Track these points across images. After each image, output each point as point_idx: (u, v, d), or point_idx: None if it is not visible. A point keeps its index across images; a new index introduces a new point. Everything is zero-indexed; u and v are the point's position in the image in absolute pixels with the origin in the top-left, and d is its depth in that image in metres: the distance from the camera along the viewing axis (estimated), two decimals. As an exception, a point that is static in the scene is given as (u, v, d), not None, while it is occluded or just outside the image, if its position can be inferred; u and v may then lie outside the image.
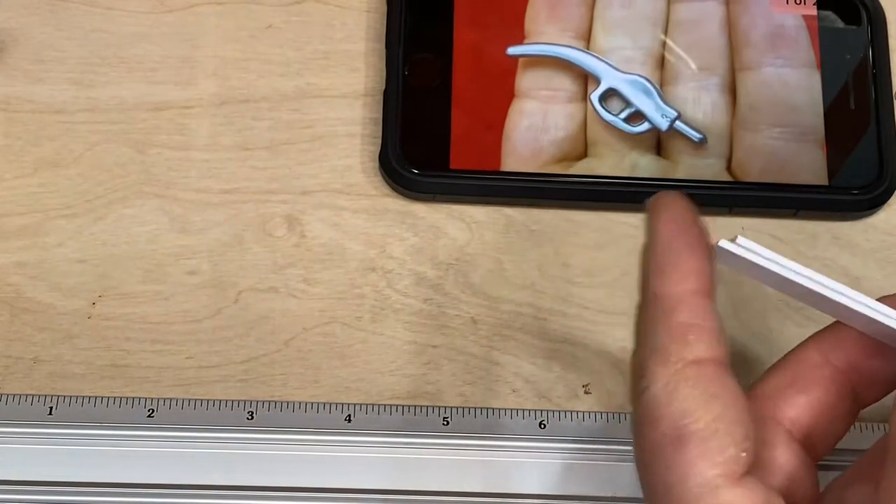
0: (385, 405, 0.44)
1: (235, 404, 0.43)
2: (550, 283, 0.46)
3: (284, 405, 0.43)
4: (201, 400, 0.43)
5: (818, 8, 0.48)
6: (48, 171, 0.46)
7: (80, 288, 0.45)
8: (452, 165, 0.46)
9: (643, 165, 0.47)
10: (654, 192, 0.46)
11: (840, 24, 0.48)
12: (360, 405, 0.44)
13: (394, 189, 0.46)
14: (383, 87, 0.47)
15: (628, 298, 0.46)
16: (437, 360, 0.45)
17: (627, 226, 0.47)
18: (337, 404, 0.44)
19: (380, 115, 0.47)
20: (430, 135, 0.46)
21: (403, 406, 0.44)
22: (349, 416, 0.43)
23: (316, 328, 0.45)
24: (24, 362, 0.44)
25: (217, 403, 0.43)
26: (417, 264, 0.46)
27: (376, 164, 0.47)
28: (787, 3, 0.48)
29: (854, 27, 0.48)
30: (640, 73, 0.47)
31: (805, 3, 0.48)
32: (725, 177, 0.46)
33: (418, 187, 0.46)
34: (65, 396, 0.43)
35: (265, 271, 0.46)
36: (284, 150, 0.47)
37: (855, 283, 0.46)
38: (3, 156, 0.46)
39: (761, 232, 0.47)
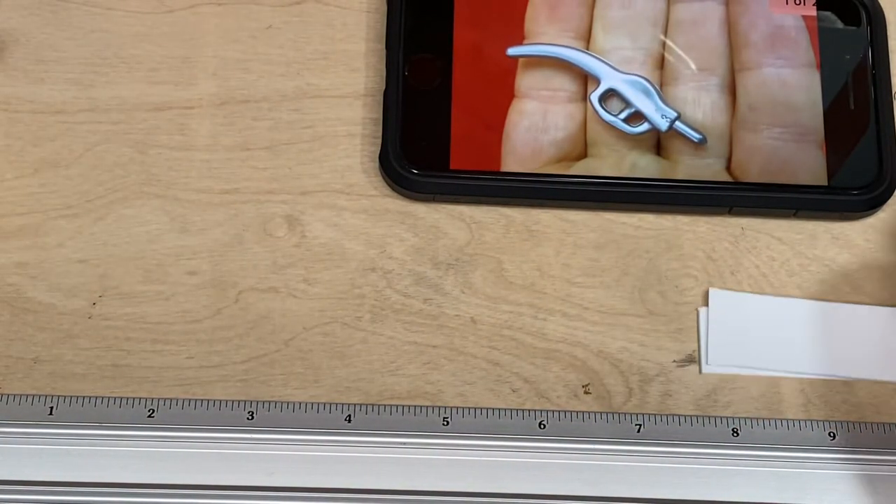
0: (385, 405, 0.44)
1: (235, 404, 0.43)
2: (550, 283, 0.46)
3: (284, 405, 0.44)
4: (201, 400, 0.43)
5: (818, 8, 0.48)
6: (48, 172, 0.46)
7: (80, 288, 0.45)
8: (452, 165, 0.46)
9: (643, 166, 0.47)
10: (654, 193, 0.46)
11: (840, 24, 0.48)
12: (360, 405, 0.44)
13: (394, 189, 0.47)
14: (383, 87, 0.47)
15: (628, 298, 0.46)
16: (437, 360, 0.45)
17: (627, 226, 0.47)
18: (337, 404, 0.44)
19: (380, 115, 0.47)
20: (430, 135, 0.46)
21: (403, 406, 0.44)
22: (349, 416, 0.44)
23: (316, 328, 0.45)
24: (25, 362, 0.44)
25: (217, 403, 0.43)
26: (417, 264, 0.46)
27: (376, 164, 0.47)
28: (787, 3, 0.48)
29: (854, 27, 0.48)
30: (640, 74, 0.47)
31: (805, 4, 0.48)
32: (725, 177, 0.46)
33: (418, 187, 0.46)
34: (65, 396, 0.43)
35: (265, 271, 0.46)
36: (284, 151, 0.47)
37: (855, 283, 0.46)
38: (3, 156, 0.47)
39: (761, 232, 0.47)
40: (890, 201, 0.47)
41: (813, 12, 0.48)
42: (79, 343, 0.44)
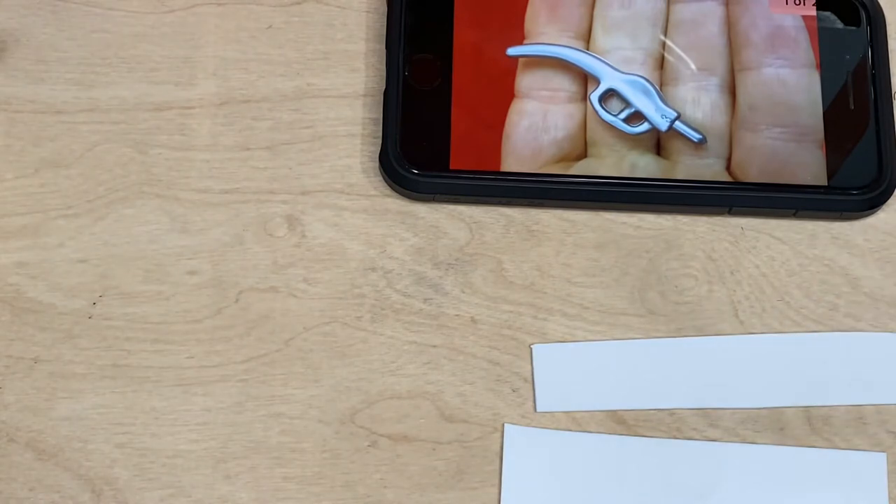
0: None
1: None
2: (550, 283, 0.46)
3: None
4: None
5: (818, 8, 0.48)
6: (49, 172, 0.46)
7: (80, 288, 0.45)
8: (452, 165, 0.46)
9: (643, 166, 0.47)
10: (654, 193, 0.46)
11: (839, 24, 0.48)
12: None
13: (394, 189, 0.47)
14: (383, 87, 0.47)
15: (628, 298, 0.46)
16: (437, 360, 0.45)
17: (627, 226, 0.47)
18: None
19: (380, 115, 0.47)
20: (430, 135, 0.46)
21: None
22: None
23: (316, 328, 0.45)
24: (25, 362, 0.44)
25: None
26: (417, 264, 0.46)
27: (376, 164, 0.47)
28: (787, 3, 0.48)
29: (853, 27, 0.48)
30: (640, 74, 0.47)
31: (804, 4, 0.48)
32: (725, 177, 0.47)
33: (418, 187, 0.46)
34: None
35: (265, 271, 0.46)
36: (285, 151, 0.47)
37: (855, 283, 0.46)
38: (3, 156, 0.47)
39: (761, 232, 0.47)
40: (890, 201, 0.47)
41: (813, 12, 0.48)
42: (79, 343, 0.44)
